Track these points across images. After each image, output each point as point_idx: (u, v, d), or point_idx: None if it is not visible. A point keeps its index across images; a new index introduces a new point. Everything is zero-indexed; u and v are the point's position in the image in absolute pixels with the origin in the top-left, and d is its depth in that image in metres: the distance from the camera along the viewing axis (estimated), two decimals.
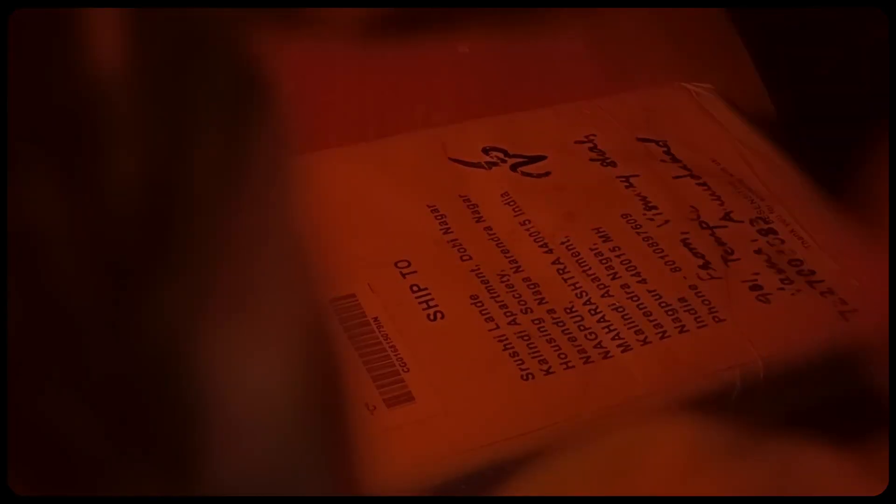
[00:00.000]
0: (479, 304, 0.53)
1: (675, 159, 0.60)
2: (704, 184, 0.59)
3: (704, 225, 0.56)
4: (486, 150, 0.60)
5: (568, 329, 0.51)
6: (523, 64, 0.71)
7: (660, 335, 0.51)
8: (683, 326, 0.51)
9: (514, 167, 0.59)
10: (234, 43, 0.20)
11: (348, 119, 0.69)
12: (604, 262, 0.54)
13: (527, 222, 0.57)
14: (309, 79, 0.70)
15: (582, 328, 0.51)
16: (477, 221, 0.57)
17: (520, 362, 0.50)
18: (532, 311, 0.52)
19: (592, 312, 0.52)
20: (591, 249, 0.55)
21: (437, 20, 0.74)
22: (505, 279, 0.54)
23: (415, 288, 0.53)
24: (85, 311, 0.18)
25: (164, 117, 0.19)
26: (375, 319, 0.52)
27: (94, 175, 0.18)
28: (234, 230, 0.20)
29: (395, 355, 0.50)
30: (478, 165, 0.59)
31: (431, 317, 0.52)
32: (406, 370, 0.49)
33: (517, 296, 0.53)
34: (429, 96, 0.70)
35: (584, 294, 0.53)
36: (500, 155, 0.60)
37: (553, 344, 0.51)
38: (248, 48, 0.20)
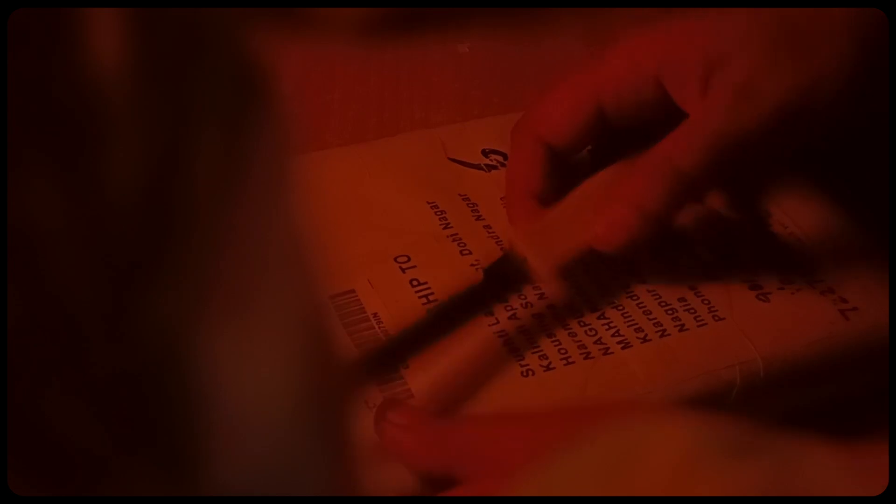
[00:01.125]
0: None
1: None
2: None
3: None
4: (485, 153, 0.60)
5: (568, 325, 0.51)
6: (523, 64, 0.71)
7: (660, 333, 0.51)
8: (683, 325, 0.52)
9: None
10: (235, 43, 0.20)
11: (348, 119, 0.69)
12: (603, 261, 0.54)
13: None
14: (309, 78, 0.70)
15: (582, 324, 0.51)
16: (476, 219, 0.57)
17: (520, 358, 0.50)
18: (532, 307, 0.52)
19: (592, 309, 0.52)
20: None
21: (437, 20, 0.74)
22: None
23: (414, 282, 0.53)
24: (85, 311, 0.18)
25: (165, 117, 0.19)
26: (375, 315, 0.52)
27: (94, 175, 0.18)
28: (234, 230, 0.20)
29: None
30: (477, 167, 0.60)
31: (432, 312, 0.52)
32: (405, 366, 0.49)
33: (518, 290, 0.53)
34: (429, 96, 0.71)
35: (584, 292, 0.53)
36: (500, 158, 0.60)
37: (553, 339, 0.51)
38: (248, 48, 0.20)
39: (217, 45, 0.20)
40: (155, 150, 0.19)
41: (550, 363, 0.50)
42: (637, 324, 0.51)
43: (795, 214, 0.57)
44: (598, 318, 0.52)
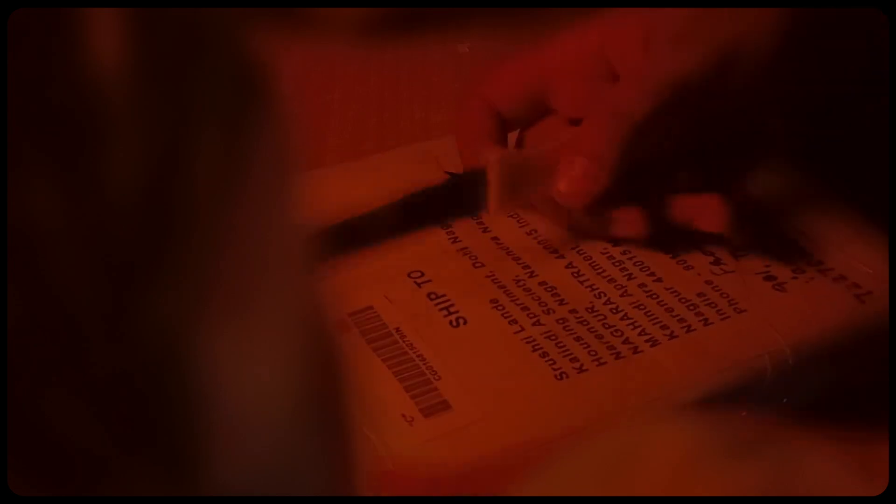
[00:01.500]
0: (500, 308, 0.52)
1: None
2: None
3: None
4: None
5: (593, 327, 0.52)
6: None
7: (685, 328, 0.51)
8: (707, 319, 0.52)
9: None
10: (235, 43, 0.20)
11: (348, 119, 0.69)
12: (617, 264, 0.55)
13: (533, 232, 0.57)
14: (309, 78, 0.70)
15: (607, 326, 0.52)
16: (483, 231, 0.57)
17: (551, 362, 0.50)
18: (554, 312, 0.52)
19: (614, 311, 0.52)
20: (603, 253, 0.55)
21: (437, 20, 0.74)
22: (521, 283, 0.54)
23: (432, 296, 0.53)
24: (85, 311, 0.18)
25: (165, 117, 0.19)
26: (398, 330, 0.51)
27: (94, 175, 0.18)
28: (234, 230, 0.20)
29: (425, 364, 0.50)
30: None
31: (454, 323, 0.52)
32: (437, 378, 0.49)
33: (537, 298, 0.53)
34: (429, 96, 0.70)
35: (602, 294, 0.53)
36: None
37: (581, 342, 0.51)
38: (248, 48, 0.20)
39: (217, 45, 0.20)
40: (155, 150, 0.19)
41: (583, 365, 0.50)
42: (661, 321, 0.52)
43: (798, 206, 0.57)
44: (622, 318, 0.52)
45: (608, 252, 0.55)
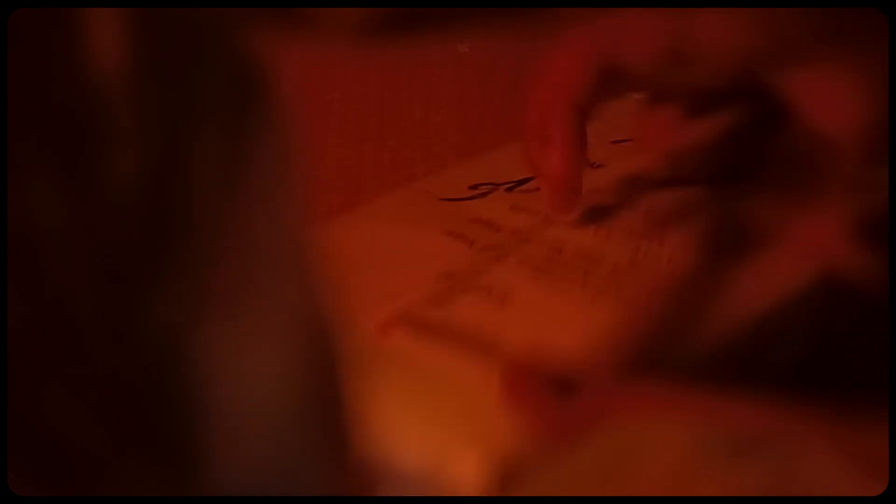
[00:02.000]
0: (542, 278, 0.52)
1: None
2: None
3: None
4: (474, 186, 0.61)
5: (643, 276, 0.52)
6: (523, 64, 0.71)
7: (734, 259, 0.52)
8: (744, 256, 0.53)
9: (508, 189, 0.59)
10: (235, 43, 0.20)
11: (348, 118, 0.69)
12: (641, 232, 0.55)
13: (548, 218, 0.57)
14: (309, 78, 0.71)
15: (655, 272, 0.52)
16: (497, 231, 0.57)
17: (618, 307, 0.50)
18: (599, 272, 0.52)
19: (656, 259, 0.53)
20: (626, 220, 0.56)
21: (437, 20, 0.74)
22: (556, 258, 0.54)
23: (469, 287, 0.53)
24: (85, 312, 0.18)
25: (165, 117, 0.19)
26: (445, 322, 0.51)
27: (94, 175, 0.18)
28: (234, 230, 0.20)
29: (490, 339, 0.50)
30: (472, 198, 0.60)
31: (503, 300, 0.52)
32: (508, 344, 0.49)
33: (577, 265, 0.53)
34: (429, 96, 0.71)
35: (639, 249, 0.53)
36: (490, 186, 0.60)
37: (636, 288, 0.51)
38: (248, 48, 0.21)
39: (217, 45, 0.20)
40: (155, 150, 0.19)
41: (649, 303, 0.50)
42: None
43: None
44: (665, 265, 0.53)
45: (632, 222, 0.56)
